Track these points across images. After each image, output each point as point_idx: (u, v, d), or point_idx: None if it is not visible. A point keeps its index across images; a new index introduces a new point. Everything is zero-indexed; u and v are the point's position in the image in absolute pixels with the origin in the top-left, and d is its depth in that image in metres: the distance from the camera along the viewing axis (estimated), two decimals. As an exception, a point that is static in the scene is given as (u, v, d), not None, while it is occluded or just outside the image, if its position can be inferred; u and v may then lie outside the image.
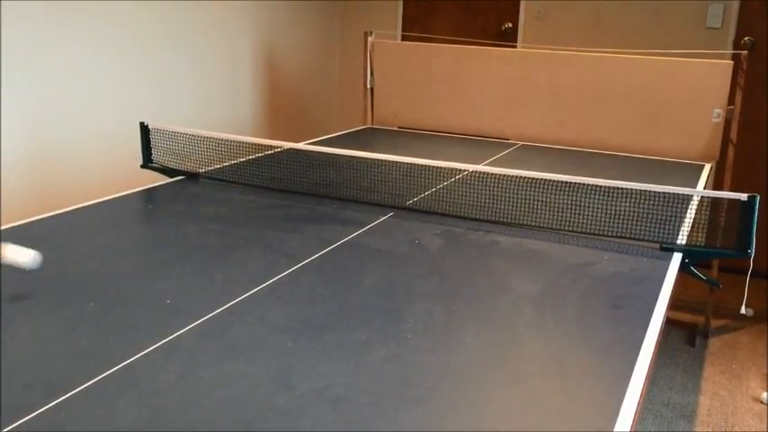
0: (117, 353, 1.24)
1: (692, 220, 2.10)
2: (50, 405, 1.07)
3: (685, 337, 3.46)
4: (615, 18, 4.24)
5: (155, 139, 2.45)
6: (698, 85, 3.10)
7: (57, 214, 1.98)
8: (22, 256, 1.45)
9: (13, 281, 1.52)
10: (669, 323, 3.58)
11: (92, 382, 1.14)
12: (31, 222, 1.91)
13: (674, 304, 1.56)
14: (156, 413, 1.07)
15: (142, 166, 2.46)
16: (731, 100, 3.08)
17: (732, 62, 3.05)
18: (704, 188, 2.67)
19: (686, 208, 2.21)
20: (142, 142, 2.43)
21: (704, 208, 2.20)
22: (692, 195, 2.31)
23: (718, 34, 4.04)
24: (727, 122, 3.13)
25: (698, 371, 3.12)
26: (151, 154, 2.45)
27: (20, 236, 1.80)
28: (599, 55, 3.28)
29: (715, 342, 3.40)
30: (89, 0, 3.06)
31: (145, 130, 2.43)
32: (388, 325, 1.39)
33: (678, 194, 2.08)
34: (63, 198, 3.05)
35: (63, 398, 1.09)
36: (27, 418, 1.04)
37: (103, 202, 2.12)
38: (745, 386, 2.99)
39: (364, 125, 3.76)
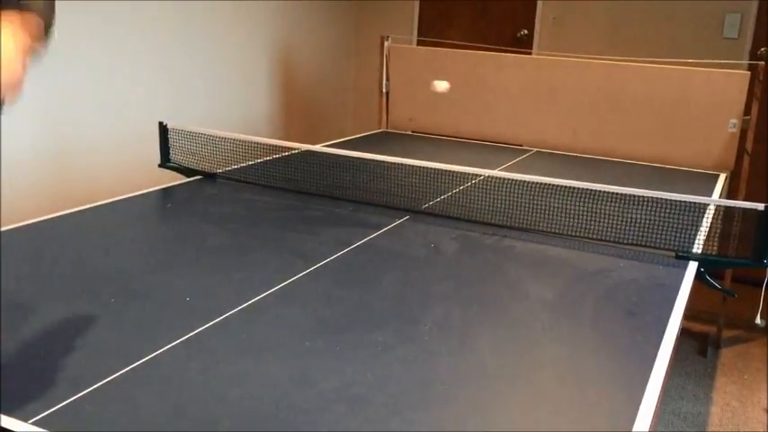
0: (138, 348, 1.25)
1: (707, 230, 2.10)
2: (74, 398, 1.09)
3: (697, 346, 3.45)
4: (631, 27, 4.24)
5: (173, 139, 2.47)
6: (714, 95, 3.10)
7: (76, 211, 2.01)
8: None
9: (34, 277, 1.54)
10: (681, 332, 3.58)
11: (114, 376, 1.16)
12: (52, 219, 1.93)
13: (686, 314, 1.57)
14: (178, 408, 1.08)
15: (160, 166, 2.49)
16: (747, 110, 3.08)
17: (749, 72, 3.05)
18: (719, 198, 2.67)
19: (701, 217, 2.21)
20: (161, 142, 2.45)
21: (719, 217, 2.20)
22: (708, 204, 2.31)
23: (734, 44, 4.03)
24: (743, 132, 3.13)
25: (709, 381, 3.11)
26: (169, 153, 2.47)
27: (40, 233, 1.83)
28: (615, 63, 3.28)
29: (727, 352, 3.39)
30: (107, 0, 3.09)
31: (163, 129, 2.45)
32: (405, 327, 1.40)
33: (694, 203, 2.08)
34: (82, 196, 3.08)
35: (86, 391, 1.11)
36: (51, 410, 1.06)
37: (122, 200, 2.14)
38: (757, 397, 2.98)
39: (379, 129, 3.77)
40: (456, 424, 1.09)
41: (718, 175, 3.06)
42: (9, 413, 1.04)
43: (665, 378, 1.29)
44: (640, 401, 1.18)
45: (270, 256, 1.74)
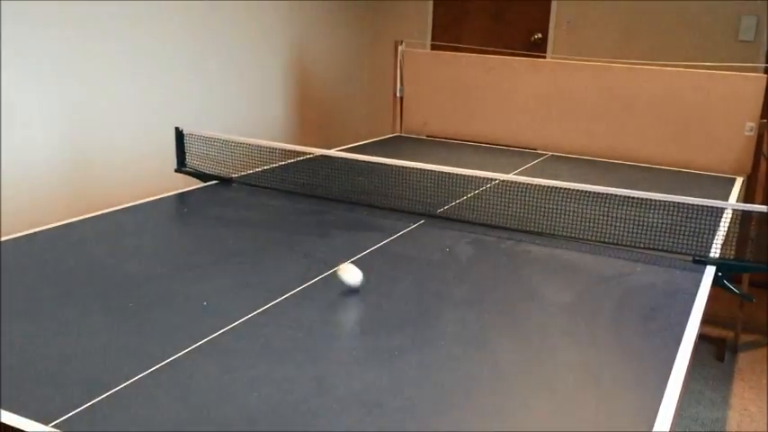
0: (157, 352, 1.26)
1: (724, 234, 2.09)
2: (94, 401, 1.10)
3: (714, 351, 3.42)
4: (646, 30, 4.22)
5: (189, 144, 2.48)
6: (730, 99, 3.08)
7: (94, 216, 2.02)
8: (354, 278, 1.56)
9: (53, 281, 1.55)
10: (698, 337, 3.55)
11: (133, 380, 1.17)
12: (71, 224, 1.95)
13: (703, 318, 1.56)
14: (196, 411, 1.09)
15: (176, 170, 2.50)
16: (764, 113, 3.06)
17: (765, 75, 3.03)
18: (736, 202, 2.65)
19: (718, 221, 2.20)
20: (177, 147, 2.47)
21: (736, 221, 2.19)
22: (725, 208, 2.29)
23: (750, 47, 4.01)
24: (760, 136, 3.11)
25: (727, 386, 3.09)
26: (185, 158, 2.49)
27: (58, 237, 1.84)
28: (629, 66, 3.27)
29: (744, 357, 3.36)
30: (127, 1, 3.11)
31: (179, 134, 2.47)
32: (421, 332, 1.41)
33: (711, 207, 2.07)
34: (99, 201, 3.10)
35: (105, 395, 1.12)
36: (72, 413, 1.06)
37: (139, 205, 2.16)
38: (775, 403, 2.95)
39: (393, 133, 3.78)
40: (473, 428, 1.09)
41: (735, 179, 3.03)
42: (29, 416, 1.05)
43: (683, 383, 1.28)
44: (659, 407, 1.18)
45: (286, 260, 1.75)
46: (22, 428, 1.02)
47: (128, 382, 1.16)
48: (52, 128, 2.90)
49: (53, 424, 1.03)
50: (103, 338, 1.31)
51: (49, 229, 1.89)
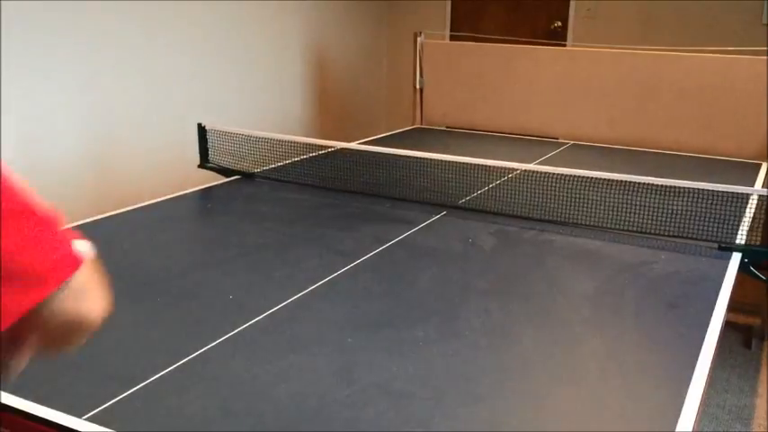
0: (185, 346, 1.28)
1: (750, 220, 2.07)
2: (126, 394, 1.12)
3: (741, 339, 3.39)
4: (667, 15, 4.17)
5: (211, 140, 2.51)
6: (754, 83, 3.04)
7: (119, 213, 2.05)
8: None
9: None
10: (725, 325, 3.52)
11: (163, 372, 1.19)
12: (97, 221, 1.98)
13: (729, 305, 1.54)
14: (225, 403, 1.10)
15: (199, 166, 2.52)
16: (790, 97, 3.01)
17: (791, 59, 2.98)
18: (761, 187, 2.62)
19: (744, 207, 2.18)
20: (199, 143, 2.49)
21: (762, 207, 2.16)
22: (750, 194, 2.27)
23: (775, 30, 3.94)
24: (786, 120, 3.06)
25: (754, 373, 3.06)
26: (208, 154, 2.51)
27: (84, 234, 1.87)
28: (650, 53, 3.24)
29: (772, 345, 3.32)
30: (148, 2, 3.14)
31: (202, 130, 2.49)
32: (446, 322, 1.41)
33: (736, 193, 2.04)
34: (124, 197, 3.14)
35: (137, 387, 1.14)
36: (104, 406, 1.09)
37: (164, 201, 2.18)
38: (804, 390, 2.92)
39: (413, 125, 3.78)
40: (499, 419, 1.10)
41: (761, 165, 3.00)
42: (63, 410, 1.07)
43: (709, 371, 1.27)
44: (686, 395, 1.17)
45: (310, 253, 1.76)
46: (55, 421, 1.05)
47: (157, 376, 1.18)
48: (76, 128, 2.94)
49: (86, 417, 1.06)
50: (135, 333, 1.33)
51: (77, 225, 1.92)
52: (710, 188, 1.98)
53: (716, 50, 3.99)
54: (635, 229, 2.00)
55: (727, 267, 1.74)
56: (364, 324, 1.39)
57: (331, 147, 2.76)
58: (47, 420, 1.05)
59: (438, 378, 1.20)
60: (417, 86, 3.74)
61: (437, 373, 1.22)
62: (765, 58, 3.02)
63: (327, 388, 1.16)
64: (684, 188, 2.07)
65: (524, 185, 2.42)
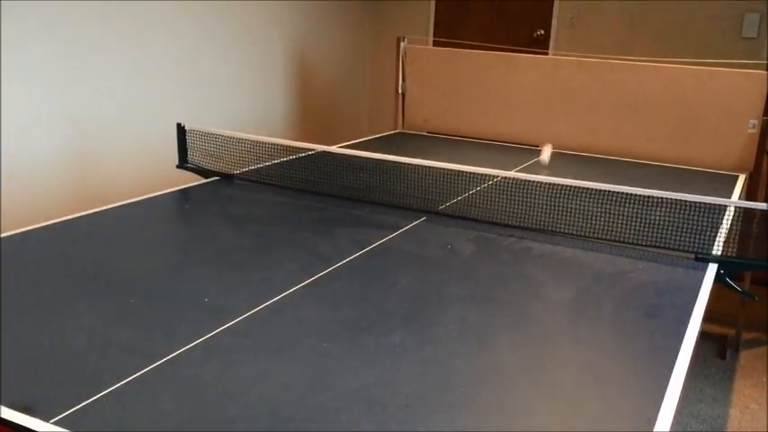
0: (158, 349, 1.26)
1: (727, 231, 2.08)
2: (95, 398, 1.10)
3: (716, 349, 3.42)
4: (649, 26, 4.21)
5: (191, 140, 2.48)
6: (733, 96, 3.07)
7: (96, 212, 2.02)
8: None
9: (55, 277, 1.55)
10: (700, 335, 3.55)
11: (134, 376, 1.17)
12: (72, 220, 1.95)
13: (705, 316, 1.55)
14: (196, 408, 1.09)
15: (178, 167, 2.50)
16: (767, 110, 3.05)
17: (769, 72, 3.02)
18: (738, 199, 2.64)
19: (721, 218, 2.19)
20: (178, 143, 2.47)
21: (738, 219, 2.18)
22: (728, 206, 2.29)
23: (754, 44, 4.00)
24: (763, 133, 3.10)
25: (728, 383, 3.08)
26: (187, 154, 2.49)
27: (60, 233, 1.84)
28: (632, 63, 3.26)
29: (746, 355, 3.36)
30: (128, 1, 3.11)
31: (181, 130, 2.47)
32: (423, 329, 1.40)
33: (713, 204, 2.06)
34: (101, 196, 3.10)
35: (106, 391, 1.12)
36: (72, 410, 1.06)
37: (140, 201, 2.16)
38: (777, 400, 2.95)
39: (394, 129, 3.77)
40: (474, 425, 1.09)
41: (738, 176, 3.03)
42: (31, 413, 1.05)
43: (684, 380, 1.28)
44: (660, 404, 1.17)
45: (288, 256, 1.75)
46: (21, 424, 1.02)
47: (129, 378, 1.16)
48: (54, 125, 2.90)
49: (53, 421, 1.03)
50: (106, 334, 1.30)
51: (51, 225, 1.89)
52: (688, 199, 1.99)
53: (696, 62, 4.03)
54: (613, 238, 2.00)
55: (703, 278, 1.75)
56: (341, 329, 1.38)
57: (311, 150, 2.75)
58: (13, 423, 1.02)
59: (413, 385, 1.19)
60: (400, 91, 3.74)
61: (413, 379, 1.21)
62: (742, 70, 3.05)
63: (302, 394, 1.15)
64: (663, 198, 2.08)
65: (504, 192, 2.42)
